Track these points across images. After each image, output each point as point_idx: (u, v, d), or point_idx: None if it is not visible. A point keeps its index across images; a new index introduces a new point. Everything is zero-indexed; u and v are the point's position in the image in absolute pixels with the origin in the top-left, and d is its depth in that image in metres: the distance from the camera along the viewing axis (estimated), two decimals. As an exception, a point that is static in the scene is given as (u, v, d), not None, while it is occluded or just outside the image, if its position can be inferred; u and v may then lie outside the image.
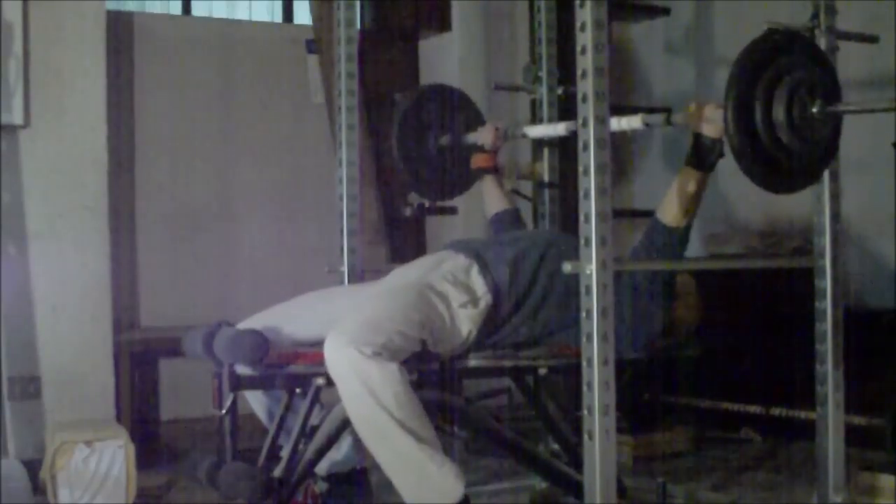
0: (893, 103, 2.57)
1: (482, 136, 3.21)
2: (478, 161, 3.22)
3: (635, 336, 2.69)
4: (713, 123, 2.51)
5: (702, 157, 2.55)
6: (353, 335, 2.43)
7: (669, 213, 2.63)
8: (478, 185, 3.34)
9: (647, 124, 2.66)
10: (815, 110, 2.37)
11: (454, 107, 3.33)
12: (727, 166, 2.87)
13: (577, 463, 2.50)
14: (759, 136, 2.30)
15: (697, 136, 2.55)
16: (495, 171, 3.24)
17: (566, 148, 3.37)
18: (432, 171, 3.30)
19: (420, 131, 3.28)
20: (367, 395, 2.39)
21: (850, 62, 2.83)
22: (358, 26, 3.35)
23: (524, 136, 3.27)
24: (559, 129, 3.10)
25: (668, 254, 2.63)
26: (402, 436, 2.41)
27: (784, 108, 2.32)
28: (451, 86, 3.45)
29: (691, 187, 2.58)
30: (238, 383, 2.51)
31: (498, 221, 3.23)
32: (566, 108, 3.41)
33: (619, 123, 2.67)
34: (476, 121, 3.34)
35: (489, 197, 3.25)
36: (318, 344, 2.49)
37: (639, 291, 2.67)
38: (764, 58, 2.33)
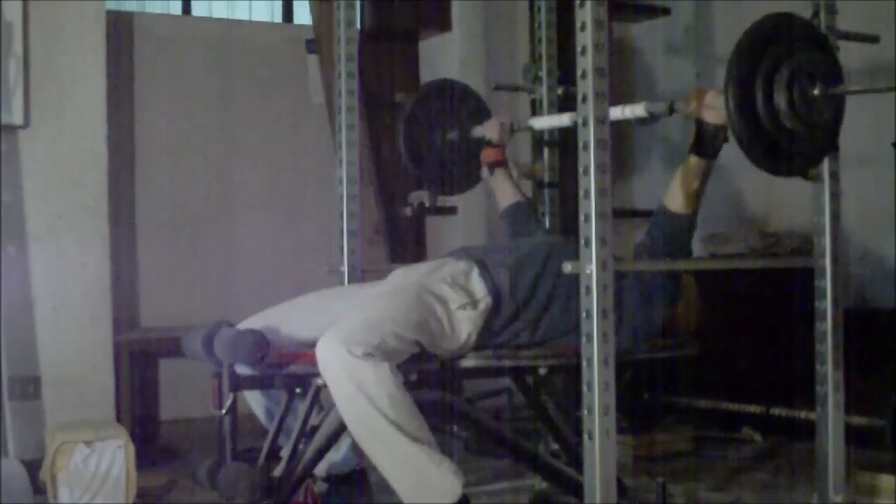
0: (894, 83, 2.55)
1: (488, 130, 3.21)
2: (487, 156, 3.21)
3: (636, 334, 2.70)
4: (715, 110, 2.52)
5: (705, 144, 2.57)
6: (345, 336, 2.42)
7: (676, 200, 2.65)
8: (478, 189, 3.33)
9: (650, 112, 2.65)
10: (816, 93, 2.37)
11: (459, 101, 3.32)
12: (728, 165, 2.87)
13: (577, 463, 2.49)
14: (760, 119, 2.30)
15: (700, 124, 2.57)
16: (505, 164, 3.24)
17: (566, 148, 3.37)
18: (439, 166, 3.29)
19: (426, 127, 3.27)
20: (361, 396, 2.38)
21: (851, 62, 2.83)
22: (358, 26, 3.35)
23: (530, 128, 3.27)
24: (564, 119, 3.09)
25: (676, 241, 2.66)
26: (398, 436, 2.40)
27: (785, 92, 2.31)
28: (456, 80, 3.44)
29: (697, 175, 2.60)
30: (238, 383, 2.51)
31: (511, 214, 3.20)
32: (566, 108, 3.41)
33: (622, 112, 2.68)
34: (482, 114, 3.32)
35: (501, 190, 3.23)
36: (318, 344, 2.49)
37: (643, 286, 2.68)
38: (763, 42, 2.32)
